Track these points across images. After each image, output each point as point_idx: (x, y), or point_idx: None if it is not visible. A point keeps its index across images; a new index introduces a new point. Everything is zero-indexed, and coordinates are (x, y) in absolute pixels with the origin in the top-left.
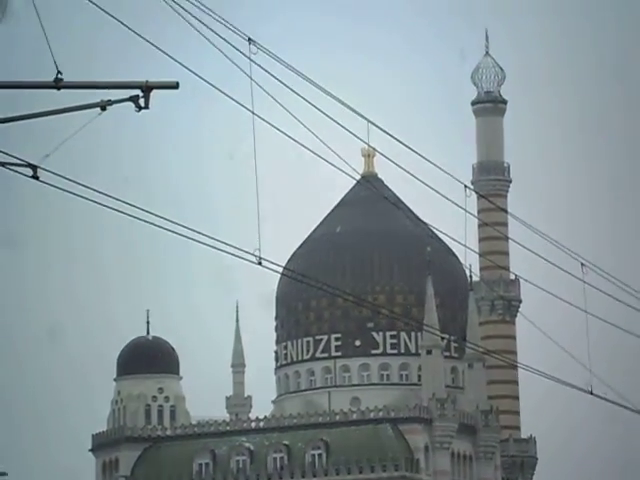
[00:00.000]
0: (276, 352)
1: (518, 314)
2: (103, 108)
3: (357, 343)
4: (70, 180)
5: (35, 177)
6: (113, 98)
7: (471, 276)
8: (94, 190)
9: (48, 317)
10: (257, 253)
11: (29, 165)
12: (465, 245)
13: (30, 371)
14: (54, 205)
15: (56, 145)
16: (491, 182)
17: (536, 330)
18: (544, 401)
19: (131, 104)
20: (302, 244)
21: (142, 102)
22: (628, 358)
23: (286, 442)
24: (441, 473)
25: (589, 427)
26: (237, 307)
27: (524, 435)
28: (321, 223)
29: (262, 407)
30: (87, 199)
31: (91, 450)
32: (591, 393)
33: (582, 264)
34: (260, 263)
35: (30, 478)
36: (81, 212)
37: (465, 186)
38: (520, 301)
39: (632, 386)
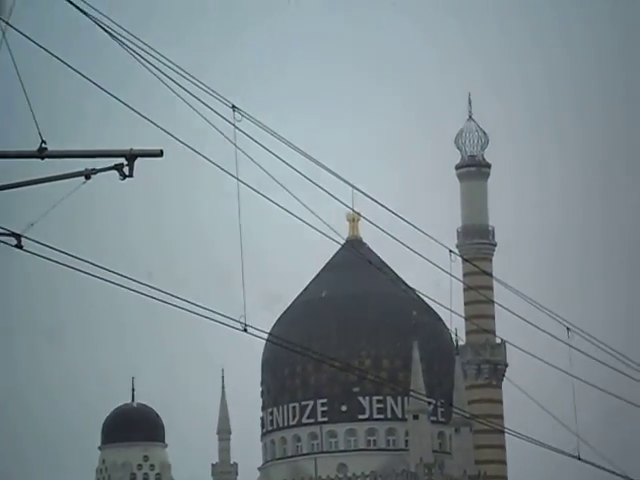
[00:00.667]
0: (262, 418)
1: (504, 378)
2: (87, 177)
3: (343, 408)
4: (54, 249)
5: (19, 246)
6: (97, 166)
7: (457, 340)
8: (79, 259)
9: (30, 384)
10: (242, 320)
11: (13, 234)
12: (451, 309)
13: (10, 442)
14: (38, 274)
15: (40, 214)
16: (476, 246)
17: (522, 394)
18: (532, 466)
19: (115, 172)
20: (287, 309)
21: (126, 170)
22: (616, 422)
23: None
24: None
25: None
26: (223, 373)
27: None
28: (306, 288)
29: (248, 474)
30: (72, 268)
31: None
32: (579, 458)
33: (568, 328)
34: (246, 330)
35: None
36: (66, 281)
37: (450, 251)
38: (506, 365)
39: (620, 451)
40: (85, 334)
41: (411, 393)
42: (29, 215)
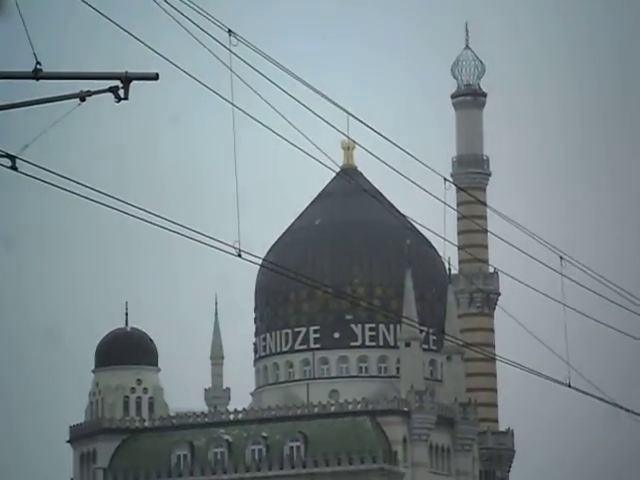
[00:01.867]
0: (255, 344)
1: (496, 307)
2: (82, 99)
3: (336, 335)
4: (49, 171)
5: (14, 168)
6: (93, 89)
7: (450, 269)
8: (72, 181)
9: (26, 309)
10: (237, 245)
11: (7, 156)
12: (444, 238)
13: (7, 363)
14: (33, 196)
15: (35, 136)
16: (470, 175)
17: (514, 323)
18: (522, 394)
19: (111, 95)
20: (281, 236)
21: (122, 93)
22: (606, 351)
23: (265, 434)
24: (419, 465)
25: (567, 420)
26: (216, 299)
27: (502, 428)
28: (300, 215)
29: (241, 399)
30: (66, 190)
31: (69, 441)
32: (569, 386)
33: (561, 257)
34: (240, 255)
35: (7, 469)
36: (60, 203)
37: (444, 179)
38: (499, 294)
39: (610, 379)
40: (79, 258)
41: (403, 321)
42: (24, 137)
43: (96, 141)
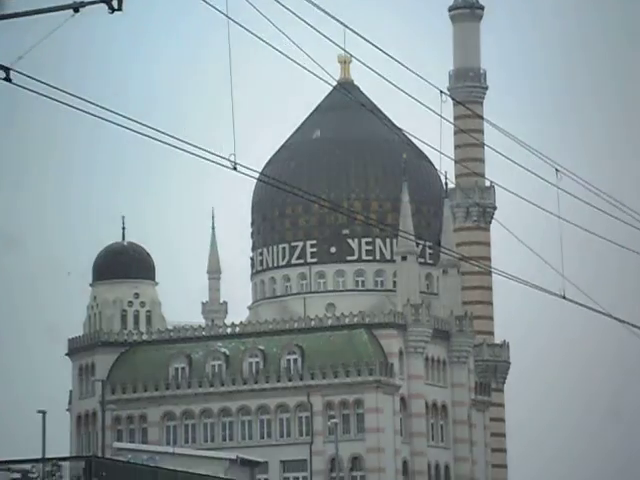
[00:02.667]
0: (252, 258)
1: (493, 221)
2: (76, 10)
3: (332, 250)
4: (43, 83)
5: (7, 79)
6: (86, 0)
7: (446, 183)
8: (68, 93)
9: (24, 221)
10: (232, 158)
11: (1, 67)
12: (441, 152)
13: (5, 275)
14: (27, 108)
15: (29, 48)
16: (467, 88)
17: (510, 236)
18: (518, 306)
19: (104, 6)
20: (278, 151)
21: (115, 4)
22: (601, 263)
23: (261, 347)
24: (415, 377)
25: (562, 331)
26: (213, 213)
27: (497, 340)
28: (297, 130)
29: (238, 313)
30: (61, 102)
31: (67, 354)
32: (564, 297)
33: (556, 170)
34: (235, 168)
35: (6, 382)
36: (54, 116)
37: (441, 92)
38: (495, 208)
39: (604, 290)
40: (75, 171)
41: (400, 234)
42: (18, 49)
43: (90, 53)
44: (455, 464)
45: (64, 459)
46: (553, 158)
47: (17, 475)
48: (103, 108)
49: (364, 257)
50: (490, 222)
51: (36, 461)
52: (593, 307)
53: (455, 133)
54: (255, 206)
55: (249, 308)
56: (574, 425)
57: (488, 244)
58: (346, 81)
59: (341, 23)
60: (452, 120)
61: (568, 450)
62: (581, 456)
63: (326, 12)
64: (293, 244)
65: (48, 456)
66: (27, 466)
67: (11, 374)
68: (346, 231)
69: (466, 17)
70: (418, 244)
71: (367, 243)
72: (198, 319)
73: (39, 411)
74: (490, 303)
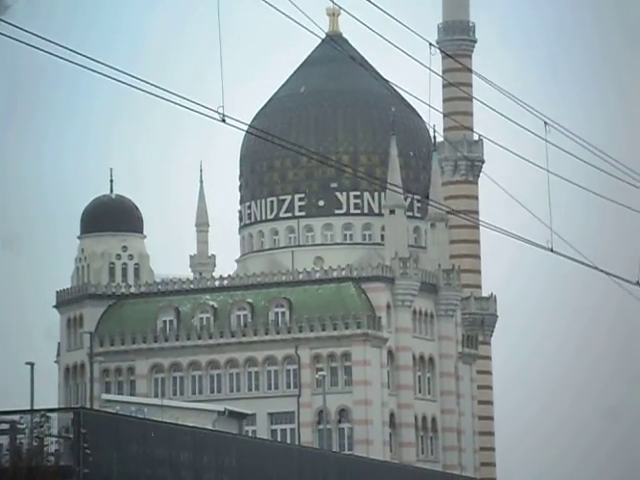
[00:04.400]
0: (240, 211)
1: (481, 174)
2: None
3: (321, 203)
4: (32, 34)
5: None
6: None
7: (435, 136)
8: (55, 44)
9: (10, 173)
10: (220, 110)
11: None
12: (429, 105)
13: None
14: (16, 60)
15: None
16: (456, 42)
17: (499, 190)
18: (505, 260)
19: None
20: (266, 104)
21: None
22: (589, 216)
23: (250, 300)
24: (402, 330)
25: (549, 284)
26: (201, 166)
27: (485, 293)
28: (286, 82)
29: (226, 266)
30: (49, 53)
31: (55, 306)
32: (551, 250)
33: (545, 123)
34: (224, 120)
35: None
36: (43, 67)
37: (430, 44)
38: (483, 161)
39: (592, 243)
40: (62, 124)
41: (388, 188)
42: None
43: (79, 3)
44: (442, 416)
45: (52, 410)
46: (542, 111)
47: (5, 426)
48: (91, 59)
49: (352, 211)
50: (478, 176)
51: (24, 412)
52: (580, 260)
53: (444, 86)
54: (243, 159)
55: (237, 261)
56: (561, 377)
57: (476, 198)
58: (335, 34)
59: None
60: (441, 73)
61: (555, 402)
62: (568, 407)
63: None
64: (281, 197)
65: (36, 408)
66: (15, 417)
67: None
68: (334, 184)
69: None
70: (406, 198)
71: (355, 197)
72: (186, 272)
73: (27, 363)
74: (478, 256)
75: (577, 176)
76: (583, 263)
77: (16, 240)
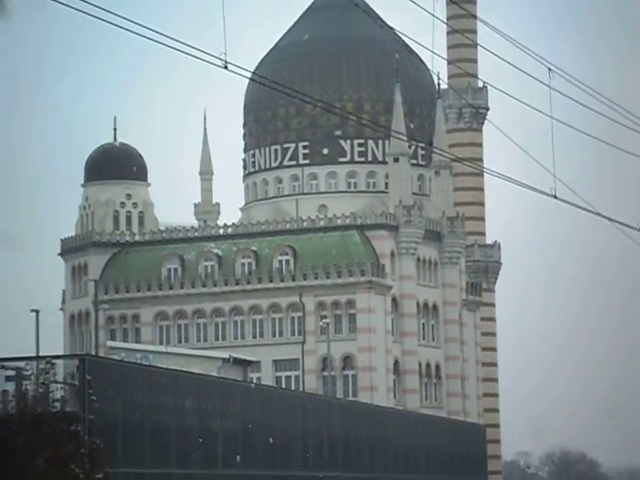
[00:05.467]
0: (244, 160)
1: (485, 121)
2: None
3: (325, 151)
4: None
5: None
6: None
7: (439, 84)
8: None
9: (16, 121)
10: (223, 57)
11: None
12: (433, 52)
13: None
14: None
15: None
16: None
17: (503, 137)
18: (509, 207)
19: None
20: (269, 51)
21: None
22: (593, 163)
23: (254, 248)
24: (406, 278)
25: (553, 231)
26: (205, 114)
27: (489, 241)
28: (289, 30)
29: (230, 214)
30: (54, 0)
31: (60, 254)
32: (555, 197)
33: (549, 69)
34: (226, 67)
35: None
36: (46, 16)
37: None
38: (487, 108)
39: (595, 190)
40: (67, 72)
41: (392, 135)
42: None
43: None
44: (446, 363)
45: (58, 357)
46: (546, 58)
47: (11, 372)
48: (95, 6)
49: (356, 159)
50: (482, 123)
51: (30, 359)
52: (583, 206)
53: (448, 33)
54: (247, 107)
55: (241, 209)
56: (564, 323)
57: (480, 145)
58: None
59: None
60: (445, 20)
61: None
62: (565, 349)
63: None
64: (285, 145)
65: (42, 355)
66: (21, 364)
67: (5, 274)
68: (338, 132)
69: None
70: (410, 145)
71: (359, 144)
72: (190, 220)
73: (32, 310)
74: (482, 204)
75: (581, 122)
76: (586, 209)
77: (21, 188)
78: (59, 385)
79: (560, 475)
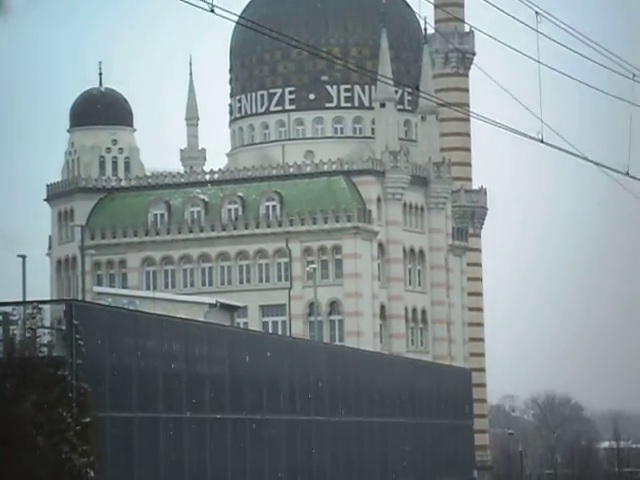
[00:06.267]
0: (230, 105)
1: (472, 66)
2: None
3: (311, 96)
4: None
5: None
6: None
7: (426, 28)
8: None
9: (0, 67)
10: (209, 0)
11: None
12: None
13: None
14: None
15: None
16: None
17: (489, 82)
18: (496, 152)
19: None
20: None
21: None
22: (579, 108)
23: (240, 194)
24: (393, 223)
25: (539, 176)
26: (190, 59)
27: (475, 186)
28: None
29: (216, 160)
30: None
31: (46, 200)
32: (542, 141)
33: (537, 13)
34: (212, 10)
35: None
36: None
37: None
38: (474, 53)
39: (582, 134)
40: (51, 14)
41: (379, 80)
42: None
43: None
44: (432, 308)
45: (45, 302)
46: (533, 1)
47: None
48: None
49: (343, 104)
50: (469, 68)
51: (17, 304)
52: (570, 151)
53: None
54: (233, 52)
55: (228, 155)
56: (549, 268)
57: (467, 90)
58: None
59: None
60: None
61: (543, 292)
62: (554, 297)
63: None
64: (271, 91)
65: (29, 300)
66: (8, 309)
67: None
68: (325, 78)
69: None
70: (397, 90)
71: (346, 90)
72: (177, 166)
73: (19, 255)
74: (468, 149)
75: (568, 67)
76: (573, 154)
77: (6, 132)
78: (46, 330)
79: (545, 418)
